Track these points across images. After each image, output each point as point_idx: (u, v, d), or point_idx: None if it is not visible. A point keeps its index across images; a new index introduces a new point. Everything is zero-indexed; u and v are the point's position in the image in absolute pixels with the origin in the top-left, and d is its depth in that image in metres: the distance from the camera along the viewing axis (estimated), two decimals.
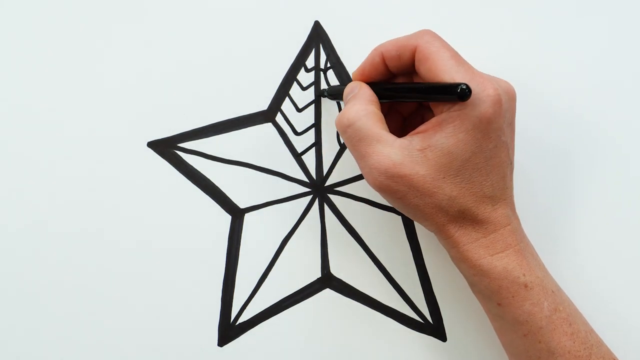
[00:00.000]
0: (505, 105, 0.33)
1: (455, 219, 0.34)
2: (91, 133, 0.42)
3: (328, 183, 0.43)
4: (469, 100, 0.32)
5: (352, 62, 0.43)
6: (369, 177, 0.35)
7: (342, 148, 0.43)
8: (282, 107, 0.43)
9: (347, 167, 0.43)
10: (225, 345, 0.42)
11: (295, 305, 0.42)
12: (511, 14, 0.43)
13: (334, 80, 0.43)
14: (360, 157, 0.35)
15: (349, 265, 0.43)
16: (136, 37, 0.42)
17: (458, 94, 0.31)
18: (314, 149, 0.43)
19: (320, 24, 0.43)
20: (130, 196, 0.42)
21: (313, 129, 0.43)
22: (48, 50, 0.42)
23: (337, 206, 0.43)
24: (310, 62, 0.43)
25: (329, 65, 0.43)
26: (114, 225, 0.42)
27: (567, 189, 0.43)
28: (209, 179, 0.42)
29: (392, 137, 0.34)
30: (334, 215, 0.43)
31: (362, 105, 0.35)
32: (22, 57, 0.42)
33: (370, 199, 0.43)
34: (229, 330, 0.42)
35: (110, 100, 0.42)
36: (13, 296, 0.41)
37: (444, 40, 0.35)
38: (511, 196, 0.36)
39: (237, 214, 0.42)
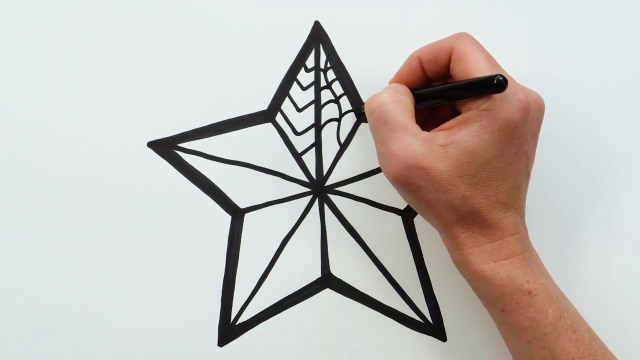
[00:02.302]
0: (533, 114, 0.34)
1: (464, 219, 0.34)
2: (91, 133, 0.42)
3: (328, 183, 0.43)
4: (498, 103, 0.32)
5: (352, 62, 0.43)
6: (387, 165, 0.34)
7: (342, 148, 0.43)
8: (282, 107, 0.43)
9: (347, 167, 0.43)
10: (225, 345, 0.42)
11: (295, 305, 0.42)
12: (512, 15, 0.43)
13: (334, 81, 0.43)
14: (381, 141, 0.35)
15: (349, 265, 0.43)
16: (136, 37, 0.42)
17: (494, 85, 0.31)
18: (314, 149, 0.43)
19: (320, 24, 0.43)
20: (130, 196, 0.42)
21: (313, 129, 0.43)
22: (47, 49, 0.42)
23: (337, 206, 0.43)
24: (310, 62, 0.43)
25: (329, 65, 0.43)
26: (114, 225, 0.41)
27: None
28: (209, 179, 0.42)
29: (417, 128, 0.34)
30: (334, 215, 0.43)
31: (394, 92, 0.36)
32: (22, 56, 0.42)
33: (370, 199, 0.43)
34: (229, 330, 0.42)
35: (110, 100, 0.42)
36: (13, 297, 0.41)
37: (479, 43, 0.35)
38: (523, 206, 0.36)
39: (237, 214, 0.42)
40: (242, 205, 0.42)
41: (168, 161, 0.42)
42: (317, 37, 0.43)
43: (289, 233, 0.42)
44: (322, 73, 0.43)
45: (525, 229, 0.36)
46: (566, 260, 0.43)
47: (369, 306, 0.42)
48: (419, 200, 0.34)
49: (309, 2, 0.43)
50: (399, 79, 0.38)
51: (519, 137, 0.33)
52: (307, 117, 0.43)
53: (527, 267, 0.34)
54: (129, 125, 0.42)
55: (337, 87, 0.43)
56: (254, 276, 0.42)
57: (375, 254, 0.43)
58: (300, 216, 0.43)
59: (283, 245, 0.42)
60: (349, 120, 0.43)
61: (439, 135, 0.34)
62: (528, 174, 0.36)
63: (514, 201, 0.35)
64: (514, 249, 0.34)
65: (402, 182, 0.34)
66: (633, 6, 0.44)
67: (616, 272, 0.43)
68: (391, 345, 0.42)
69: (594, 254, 0.43)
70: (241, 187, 0.42)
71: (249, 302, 0.42)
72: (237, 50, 0.42)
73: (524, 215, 0.36)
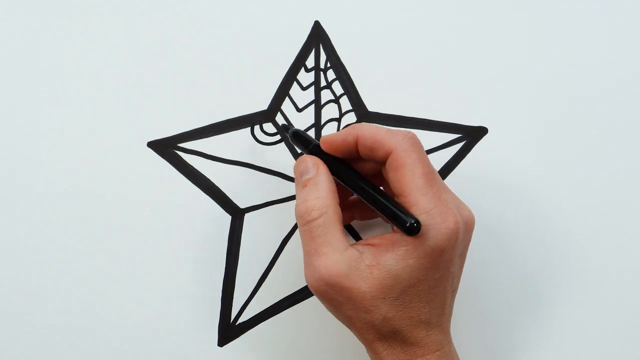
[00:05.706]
0: (461, 236, 0.33)
1: (385, 337, 0.34)
2: (91, 133, 0.42)
3: None
4: (426, 228, 0.31)
5: (352, 62, 0.43)
6: (310, 276, 0.34)
7: None
8: (282, 107, 0.43)
9: None
10: (225, 345, 0.42)
11: (295, 305, 0.42)
12: (511, 16, 0.43)
13: (334, 81, 0.43)
14: (307, 253, 0.34)
15: None
16: (136, 37, 0.42)
17: (407, 228, 0.31)
18: None
19: (320, 24, 0.43)
20: (130, 196, 0.42)
21: (313, 129, 0.43)
22: (47, 49, 0.42)
23: None
24: (310, 62, 0.43)
25: (329, 65, 0.43)
26: (114, 225, 0.42)
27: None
28: (209, 179, 0.42)
29: (344, 244, 0.33)
30: None
31: (325, 199, 0.34)
32: (21, 56, 0.42)
33: None
34: (229, 330, 0.42)
35: (110, 100, 0.42)
36: (12, 297, 0.41)
37: (422, 152, 0.33)
38: (447, 322, 0.35)
39: (237, 214, 0.42)
40: (242, 205, 0.42)
41: (168, 161, 0.42)
42: (317, 37, 0.43)
43: (289, 233, 0.42)
44: (322, 73, 0.43)
45: (449, 342, 0.35)
46: None
47: None
48: (340, 315, 0.34)
49: (309, 2, 0.43)
50: (329, 144, 0.35)
51: (445, 262, 0.33)
52: (307, 117, 0.43)
53: None
54: (129, 125, 0.42)
55: (337, 87, 0.43)
56: (254, 276, 0.42)
57: None
58: None
59: (283, 245, 0.42)
60: (349, 120, 0.43)
61: (367, 255, 0.33)
62: (453, 291, 0.35)
63: (437, 319, 0.34)
64: None
65: (323, 296, 0.34)
66: (633, 6, 0.44)
67: None
68: None
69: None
70: (241, 187, 0.42)
71: (249, 302, 0.42)
72: (237, 50, 0.42)
73: (448, 330, 0.36)
